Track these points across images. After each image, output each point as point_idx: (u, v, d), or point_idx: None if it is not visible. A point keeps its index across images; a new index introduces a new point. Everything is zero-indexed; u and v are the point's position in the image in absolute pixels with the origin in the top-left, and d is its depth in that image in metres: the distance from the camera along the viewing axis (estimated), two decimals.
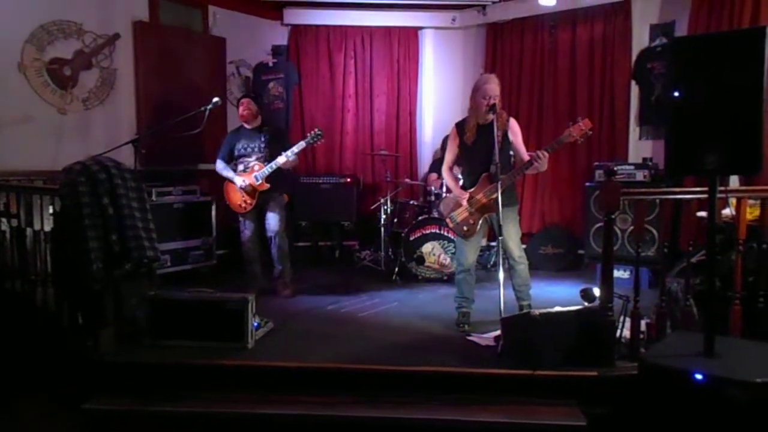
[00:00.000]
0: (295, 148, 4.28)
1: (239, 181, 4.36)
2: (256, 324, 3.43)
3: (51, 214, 3.52)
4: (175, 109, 4.81)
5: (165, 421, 2.92)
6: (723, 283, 3.11)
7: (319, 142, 4.40)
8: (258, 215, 4.49)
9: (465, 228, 3.74)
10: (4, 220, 3.87)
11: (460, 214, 3.76)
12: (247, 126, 4.49)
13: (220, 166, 4.49)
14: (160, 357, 3.21)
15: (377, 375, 3.07)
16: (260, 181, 4.33)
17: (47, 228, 3.61)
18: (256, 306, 3.42)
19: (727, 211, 3.52)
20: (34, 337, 3.49)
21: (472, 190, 3.72)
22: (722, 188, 2.92)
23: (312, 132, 4.35)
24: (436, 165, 5.89)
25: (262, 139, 4.43)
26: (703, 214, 3.99)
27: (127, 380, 3.12)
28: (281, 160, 4.26)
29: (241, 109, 4.46)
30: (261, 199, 4.41)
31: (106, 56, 4.95)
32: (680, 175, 4.14)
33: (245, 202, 4.40)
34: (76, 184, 3.21)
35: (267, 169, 4.30)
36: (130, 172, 3.46)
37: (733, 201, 3.18)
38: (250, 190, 4.36)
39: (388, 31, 6.50)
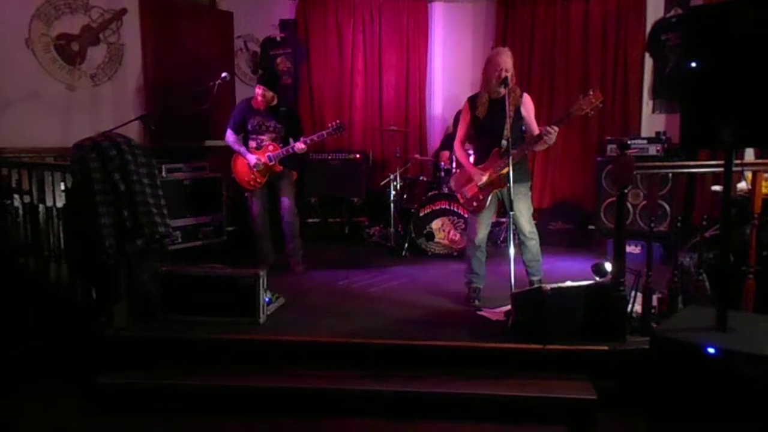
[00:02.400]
0: (315, 136, 4.31)
1: (253, 159, 4.34)
2: (267, 299, 3.46)
3: (63, 191, 3.53)
4: (183, 84, 4.80)
5: (177, 395, 2.96)
6: (737, 258, 3.09)
7: (339, 134, 4.38)
8: (267, 191, 4.49)
9: (474, 203, 3.73)
10: (16, 196, 3.89)
11: (470, 190, 3.74)
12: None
13: (232, 139, 4.44)
14: (173, 332, 3.25)
15: (387, 350, 3.09)
16: (274, 162, 4.32)
17: (59, 204, 3.63)
18: (268, 281, 3.44)
19: (742, 185, 3.49)
20: (48, 313, 3.53)
21: (483, 165, 3.69)
22: (738, 161, 2.88)
23: (334, 123, 4.33)
24: (448, 141, 5.84)
25: (278, 118, 4.40)
26: (717, 187, 3.95)
27: (140, 355, 3.16)
28: (298, 146, 4.27)
29: (257, 94, 4.35)
30: (270, 178, 4.41)
31: (113, 31, 4.91)
32: (696, 149, 4.08)
33: (254, 180, 4.40)
34: (87, 160, 3.21)
35: (283, 152, 4.31)
36: (140, 148, 3.46)
37: (748, 174, 3.14)
38: (262, 169, 4.35)
39: (397, 3, 6.39)
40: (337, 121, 4.34)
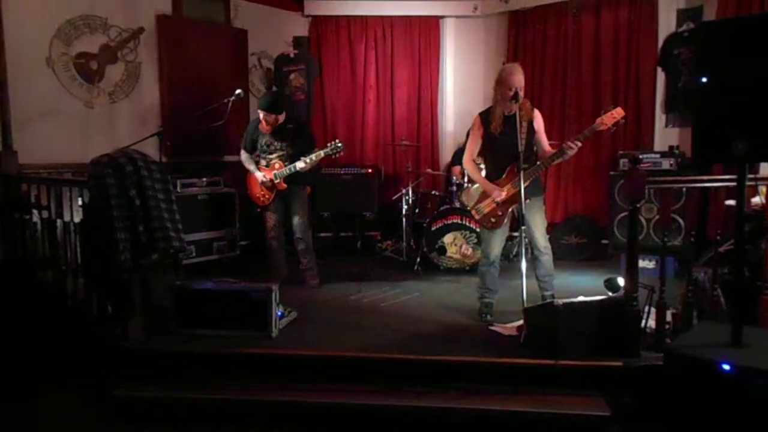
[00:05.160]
0: (314, 156, 4.27)
1: (260, 176, 4.41)
2: (279, 313, 3.48)
3: (80, 206, 3.60)
4: (199, 101, 4.87)
5: (191, 408, 2.98)
6: (752, 273, 3.06)
7: (338, 155, 4.32)
8: (280, 207, 4.52)
9: (492, 220, 3.71)
10: (35, 211, 3.96)
11: (487, 206, 3.72)
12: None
13: (244, 157, 4.54)
14: (186, 346, 3.28)
15: (399, 364, 3.09)
16: (279, 180, 4.37)
17: (77, 219, 3.69)
18: (280, 295, 3.46)
19: (756, 199, 3.46)
20: (65, 326, 3.58)
21: (500, 181, 3.69)
22: (752, 176, 2.86)
23: (332, 143, 4.28)
24: (459, 156, 5.86)
25: (285, 136, 4.43)
26: (731, 202, 3.92)
27: (154, 368, 3.19)
28: (300, 165, 4.28)
29: (262, 115, 4.32)
30: (282, 193, 4.45)
31: (131, 50, 5.01)
32: (708, 164, 4.05)
33: (264, 196, 4.47)
34: (104, 177, 3.27)
35: (286, 171, 4.33)
36: (156, 164, 3.52)
37: (763, 189, 3.12)
38: (270, 186, 4.41)
39: (409, 20, 6.47)
40: (335, 141, 4.33)
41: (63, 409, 3.11)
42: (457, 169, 5.62)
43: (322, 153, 4.28)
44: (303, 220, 4.50)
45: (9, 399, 3.20)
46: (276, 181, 4.37)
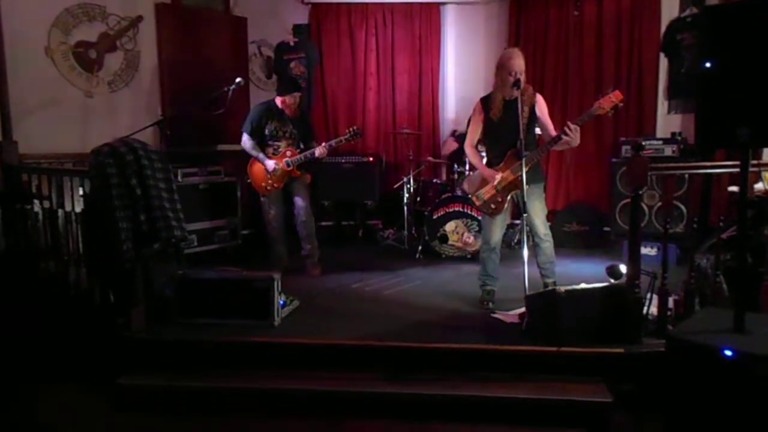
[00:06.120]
0: (333, 142, 4.34)
1: (271, 165, 4.36)
2: (282, 302, 3.48)
3: (81, 196, 3.59)
4: (199, 90, 4.85)
5: (194, 396, 3.00)
6: (754, 259, 3.05)
7: (356, 140, 4.40)
8: (282, 195, 4.52)
9: (492, 206, 3.70)
10: (36, 202, 3.96)
11: (487, 192, 3.71)
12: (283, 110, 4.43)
13: (249, 144, 4.44)
14: (189, 335, 3.28)
15: (401, 352, 3.10)
16: (292, 167, 4.36)
17: (78, 209, 3.69)
18: (282, 284, 3.46)
19: (759, 186, 3.45)
20: (67, 316, 3.59)
21: (499, 167, 3.67)
22: (755, 162, 2.85)
23: (351, 129, 4.35)
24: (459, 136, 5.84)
25: (294, 123, 4.42)
26: (734, 188, 3.91)
27: (157, 357, 3.20)
28: (318, 151, 4.29)
29: (292, 101, 4.36)
30: (286, 181, 4.44)
31: (130, 38, 4.98)
32: (711, 149, 4.03)
33: (270, 184, 4.43)
34: (105, 166, 3.26)
35: (301, 157, 4.34)
36: (157, 153, 3.51)
37: (766, 175, 3.10)
38: (280, 174, 4.39)
39: (409, 7, 6.42)
40: (355, 127, 4.35)
41: (66, 398, 3.13)
42: (450, 140, 5.59)
43: (342, 139, 4.33)
44: (306, 207, 4.50)
45: (13, 388, 3.22)
46: (289, 169, 4.36)
